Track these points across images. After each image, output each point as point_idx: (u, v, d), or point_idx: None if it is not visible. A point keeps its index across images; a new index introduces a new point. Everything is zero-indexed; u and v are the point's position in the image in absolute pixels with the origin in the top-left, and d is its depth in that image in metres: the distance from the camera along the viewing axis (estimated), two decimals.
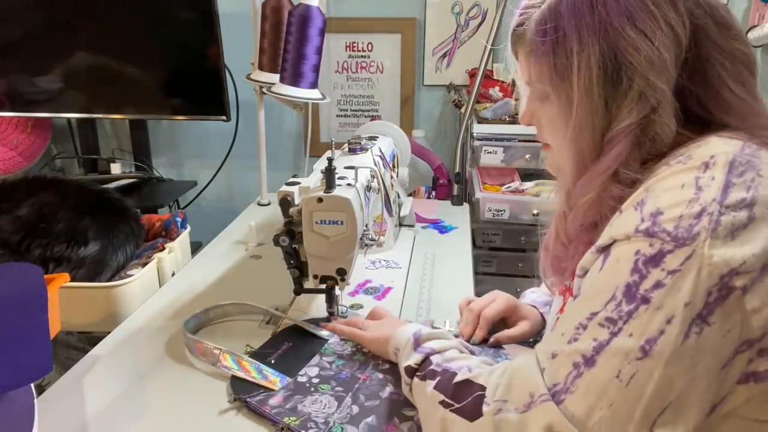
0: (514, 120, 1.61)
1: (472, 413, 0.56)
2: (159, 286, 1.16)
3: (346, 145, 1.14)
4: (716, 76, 0.58)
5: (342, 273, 0.90)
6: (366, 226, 0.94)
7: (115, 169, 1.90)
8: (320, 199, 0.85)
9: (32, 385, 0.68)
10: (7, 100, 1.75)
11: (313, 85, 1.35)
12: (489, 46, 1.57)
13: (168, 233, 1.32)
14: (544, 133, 0.70)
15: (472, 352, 0.69)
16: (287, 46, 1.32)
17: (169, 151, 2.10)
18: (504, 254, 1.59)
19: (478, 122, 1.62)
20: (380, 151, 1.18)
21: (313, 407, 0.74)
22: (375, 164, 1.08)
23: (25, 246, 1.07)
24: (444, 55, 1.90)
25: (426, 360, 0.66)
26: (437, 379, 0.62)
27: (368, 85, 1.96)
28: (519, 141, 1.55)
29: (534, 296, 0.94)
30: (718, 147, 0.54)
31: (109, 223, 1.17)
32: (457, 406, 0.57)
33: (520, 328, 0.88)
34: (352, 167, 0.96)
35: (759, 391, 0.51)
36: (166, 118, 1.95)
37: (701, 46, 0.58)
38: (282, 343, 0.89)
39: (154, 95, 1.78)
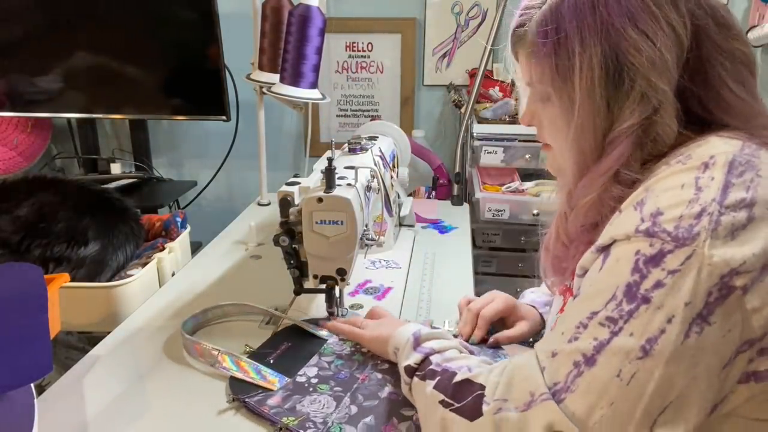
0: (514, 120, 1.61)
1: (472, 413, 0.56)
2: (159, 286, 1.16)
3: (346, 145, 1.14)
4: (717, 76, 0.58)
5: (342, 273, 0.90)
6: (366, 226, 0.94)
7: (115, 169, 1.90)
8: (320, 199, 0.85)
9: (32, 385, 0.68)
10: (7, 100, 1.75)
11: (313, 85, 1.35)
12: (489, 47, 1.57)
13: (168, 233, 1.32)
14: (545, 133, 0.70)
15: (471, 352, 0.69)
16: (287, 46, 1.32)
17: (169, 151, 2.10)
18: (504, 254, 1.59)
19: (478, 122, 1.62)
20: (380, 151, 1.18)
21: (311, 407, 0.74)
22: (375, 164, 1.08)
23: (25, 246, 1.07)
24: (444, 55, 1.90)
25: (425, 360, 0.66)
26: (437, 378, 0.62)
27: (368, 85, 1.96)
28: (519, 141, 1.55)
29: (533, 296, 0.94)
30: (718, 147, 0.54)
31: (109, 223, 1.17)
32: (457, 405, 0.57)
33: (519, 328, 0.88)
34: (352, 167, 0.96)
35: (759, 391, 0.51)
36: (166, 118, 1.95)
37: (702, 47, 0.58)
38: (281, 344, 0.89)
39: (154, 95, 1.78)
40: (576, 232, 0.64)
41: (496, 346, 0.87)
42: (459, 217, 1.54)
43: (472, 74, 1.77)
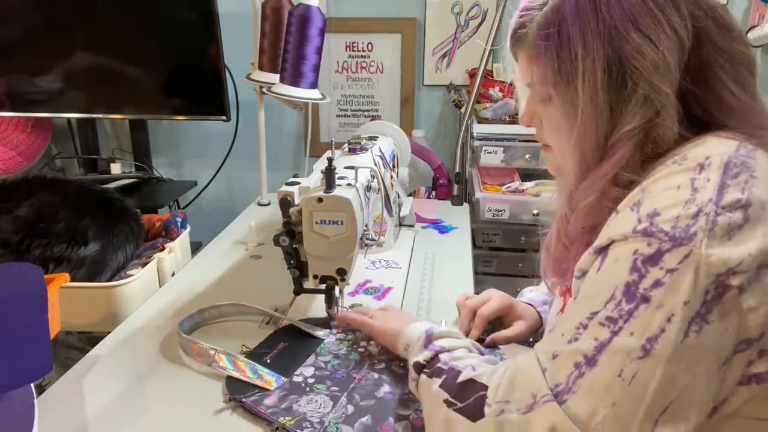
0: (514, 120, 1.61)
1: (474, 413, 0.55)
2: (159, 286, 1.16)
3: (346, 145, 1.14)
4: (717, 78, 0.58)
5: (342, 273, 0.90)
6: (366, 226, 0.94)
7: (115, 169, 1.90)
8: (320, 199, 0.85)
9: (32, 385, 0.68)
10: (7, 100, 1.75)
11: (313, 85, 1.35)
12: (489, 47, 1.57)
13: (168, 233, 1.32)
14: (545, 134, 0.69)
15: (481, 353, 0.68)
16: (287, 46, 1.32)
17: (169, 151, 2.10)
18: (504, 254, 1.59)
19: (478, 122, 1.62)
20: (380, 151, 1.18)
21: (308, 407, 0.74)
22: (375, 164, 1.08)
23: (25, 246, 1.07)
24: (444, 55, 1.90)
25: (435, 357, 0.66)
26: (443, 377, 0.61)
27: (368, 85, 1.96)
28: (519, 141, 1.55)
29: (532, 295, 0.94)
30: (714, 148, 0.54)
31: (109, 223, 1.17)
32: (460, 405, 0.57)
33: (517, 328, 0.88)
34: (352, 167, 0.96)
35: (760, 391, 0.51)
36: (166, 118, 1.94)
37: (702, 48, 0.58)
38: (278, 343, 0.89)
39: (154, 95, 1.78)
40: (576, 234, 0.64)
41: (494, 345, 0.87)
42: (459, 217, 1.55)
43: (472, 74, 1.77)
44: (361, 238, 0.91)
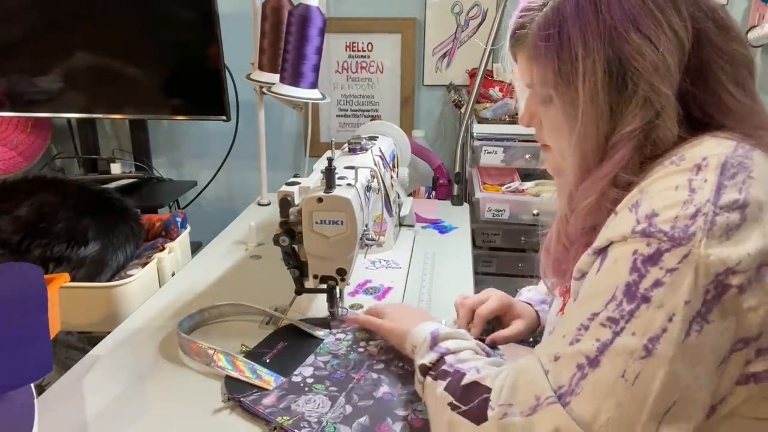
0: (514, 120, 1.61)
1: (478, 416, 0.55)
2: (159, 286, 1.16)
3: (346, 145, 1.14)
4: (717, 79, 0.58)
5: (342, 273, 0.90)
6: (366, 226, 0.95)
7: (115, 169, 1.90)
8: (320, 199, 0.85)
9: (32, 385, 0.68)
10: (7, 100, 1.75)
11: (313, 85, 1.35)
12: (488, 47, 1.57)
13: (168, 233, 1.32)
14: (544, 134, 0.69)
15: (488, 354, 0.68)
16: (287, 46, 1.32)
17: (169, 151, 2.10)
18: (504, 254, 1.59)
19: (478, 122, 1.62)
20: (380, 151, 1.18)
21: (306, 407, 0.74)
22: (375, 164, 1.08)
23: (25, 246, 1.07)
24: (444, 55, 1.90)
25: (440, 359, 0.65)
26: (448, 379, 0.61)
27: (368, 85, 1.96)
28: (519, 141, 1.55)
29: (530, 294, 0.94)
30: (712, 149, 0.54)
31: (109, 223, 1.17)
32: (463, 408, 0.57)
33: (515, 327, 0.87)
34: (352, 167, 0.96)
35: (758, 391, 0.51)
36: (166, 118, 1.94)
37: (702, 49, 0.58)
38: (277, 343, 0.89)
39: (154, 95, 1.78)
40: (576, 235, 0.63)
41: (492, 345, 0.87)
42: (459, 217, 1.55)
43: (472, 74, 1.77)
44: (361, 238, 0.91)
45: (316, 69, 1.34)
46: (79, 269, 1.09)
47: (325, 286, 0.93)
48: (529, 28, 0.63)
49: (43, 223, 1.09)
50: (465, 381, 0.59)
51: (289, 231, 0.90)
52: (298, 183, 0.93)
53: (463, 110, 1.65)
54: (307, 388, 0.78)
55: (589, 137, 0.60)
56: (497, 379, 0.57)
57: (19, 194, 1.14)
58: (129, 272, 1.12)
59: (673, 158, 0.55)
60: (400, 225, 1.39)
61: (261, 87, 1.51)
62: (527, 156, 1.55)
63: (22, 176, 1.20)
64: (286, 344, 0.89)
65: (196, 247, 1.40)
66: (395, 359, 0.84)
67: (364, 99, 1.98)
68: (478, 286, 1.11)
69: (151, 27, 1.71)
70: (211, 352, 0.82)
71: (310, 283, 0.93)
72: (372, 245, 0.94)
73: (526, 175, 1.63)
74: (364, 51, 1.92)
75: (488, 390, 0.56)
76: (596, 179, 0.60)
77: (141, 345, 0.92)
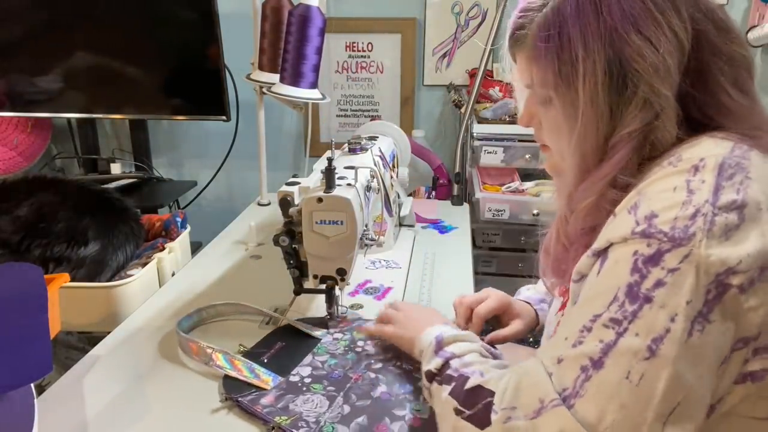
0: (514, 120, 1.61)
1: (482, 421, 0.55)
2: (159, 286, 1.16)
3: (346, 145, 1.14)
4: (716, 81, 0.58)
5: (342, 273, 0.90)
6: (366, 226, 0.95)
7: (115, 169, 1.90)
8: (320, 199, 0.85)
9: (32, 385, 0.68)
10: (7, 100, 1.75)
11: (313, 85, 1.35)
12: (488, 47, 1.57)
13: (168, 233, 1.32)
14: (544, 135, 0.69)
15: (495, 357, 0.67)
16: (287, 46, 1.32)
17: (169, 151, 2.10)
18: (504, 254, 1.59)
19: (478, 122, 1.62)
20: (380, 151, 1.18)
21: (304, 407, 0.74)
22: (375, 164, 1.08)
23: (25, 246, 1.07)
24: (444, 55, 1.90)
25: (445, 364, 0.64)
26: (452, 384, 0.61)
27: (368, 85, 1.96)
28: (519, 141, 1.55)
29: (529, 293, 0.94)
30: (709, 149, 0.54)
31: (109, 223, 1.17)
32: (468, 413, 0.57)
33: (514, 327, 0.87)
34: (352, 167, 0.96)
35: (755, 390, 0.51)
36: (166, 118, 1.95)
37: (702, 51, 0.58)
38: (275, 343, 0.89)
39: (154, 95, 1.78)
40: (576, 235, 0.63)
41: (491, 345, 0.86)
42: (459, 217, 1.55)
43: (472, 74, 1.77)
44: (361, 238, 0.91)
45: (316, 69, 1.34)
46: (79, 269, 1.09)
47: (324, 286, 0.93)
48: (528, 29, 0.63)
49: (43, 223, 1.09)
50: (468, 385, 0.59)
51: (289, 231, 0.90)
52: (298, 183, 0.93)
53: (463, 110, 1.65)
54: (305, 388, 0.78)
55: (588, 138, 0.60)
56: (500, 383, 0.57)
57: (19, 194, 1.14)
58: (129, 272, 1.12)
59: (670, 159, 0.55)
60: (400, 225, 1.39)
61: (261, 87, 1.51)
62: (527, 156, 1.55)
63: (22, 176, 1.20)
64: (284, 344, 0.89)
65: (196, 247, 1.40)
66: (393, 359, 0.84)
67: (364, 99, 1.98)
68: (478, 286, 1.11)
69: (151, 27, 1.71)
70: (209, 351, 0.82)
71: (310, 283, 0.93)
72: (372, 245, 0.94)
73: (526, 175, 1.63)
74: (364, 51, 1.92)
75: (492, 394, 0.56)
76: (595, 180, 0.60)
77: (141, 345, 0.92)
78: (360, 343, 0.89)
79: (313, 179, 0.94)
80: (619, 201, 0.57)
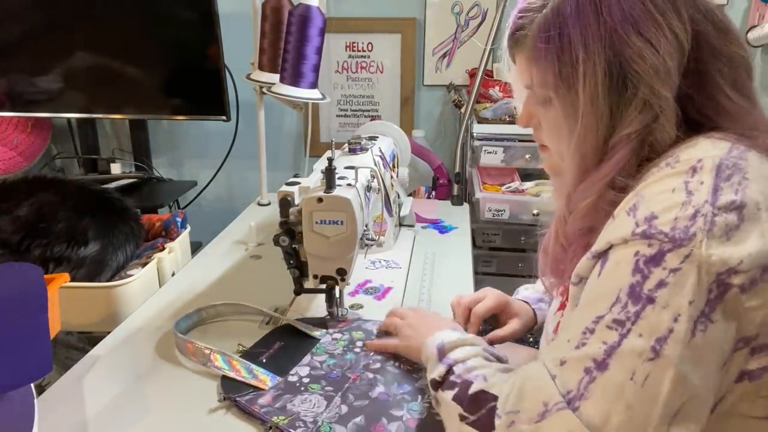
0: (513, 120, 1.60)
1: (486, 426, 0.55)
2: (159, 286, 1.16)
3: (346, 145, 1.14)
4: (715, 82, 0.58)
5: (342, 273, 0.90)
6: (366, 226, 0.95)
7: (115, 169, 1.90)
8: (320, 199, 0.85)
9: (32, 385, 0.68)
10: (7, 100, 1.75)
11: (313, 85, 1.35)
12: (488, 47, 1.57)
13: (168, 233, 1.32)
14: (543, 135, 0.69)
15: (498, 359, 0.67)
16: (287, 46, 1.32)
17: (169, 151, 2.10)
18: (504, 254, 1.59)
19: (478, 122, 1.62)
20: (380, 151, 1.18)
21: (302, 407, 0.74)
22: (375, 164, 1.08)
23: (25, 246, 1.07)
24: (444, 55, 1.90)
25: (449, 371, 0.64)
26: (456, 390, 0.61)
27: (368, 85, 1.96)
28: (519, 141, 1.55)
29: (527, 293, 0.94)
30: (706, 150, 0.54)
31: (109, 223, 1.17)
32: (472, 418, 0.57)
33: (511, 327, 0.87)
34: (352, 167, 0.96)
35: (752, 388, 0.51)
36: (166, 118, 1.95)
37: (701, 52, 0.58)
38: (274, 343, 0.89)
39: (154, 95, 1.78)
40: (574, 235, 0.63)
41: (490, 345, 0.86)
42: (459, 217, 1.55)
43: (472, 74, 1.77)
44: (361, 238, 0.91)
45: (316, 69, 1.34)
46: (79, 269, 1.09)
47: (324, 286, 0.93)
48: (528, 30, 0.63)
49: (43, 223, 1.09)
50: (472, 390, 0.59)
51: (289, 231, 0.90)
52: (298, 183, 0.93)
53: (463, 110, 1.65)
54: (303, 388, 0.78)
55: (588, 139, 0.60)
56: (504, 387, 0.56)
57: (19, 194, 1.14)
58: (129, 272, 1.12)
59: (668, 160, 0.55)
60: (400, 225, 1.39)
61: (261, 87, 1.51)
62: (527, 156, 1.55)
63: (22, 176, 1.20)
64: (283, 344, 0.89)
65: (196, 247, 1.40)
66: (391, 359, 0.84)
67: (364, 99, 1.98)
68: (478, 286, 1.11)
69: (151, 27, 1.71)
70: (207, 351, 0.82)
71: (310, 283, 0.93)
72: (372, 245, 0.94)
73: (526, 175, 1.63)
74: (364, 51, 1.92)
75: (495, 398, 0.56)
76: (595, 180, 0.60)
77: (141, 345, 0.92)
78: (359, 344, 0.89)
79: (313, 179, 0.94)
80: (617, 202, 0.57)
